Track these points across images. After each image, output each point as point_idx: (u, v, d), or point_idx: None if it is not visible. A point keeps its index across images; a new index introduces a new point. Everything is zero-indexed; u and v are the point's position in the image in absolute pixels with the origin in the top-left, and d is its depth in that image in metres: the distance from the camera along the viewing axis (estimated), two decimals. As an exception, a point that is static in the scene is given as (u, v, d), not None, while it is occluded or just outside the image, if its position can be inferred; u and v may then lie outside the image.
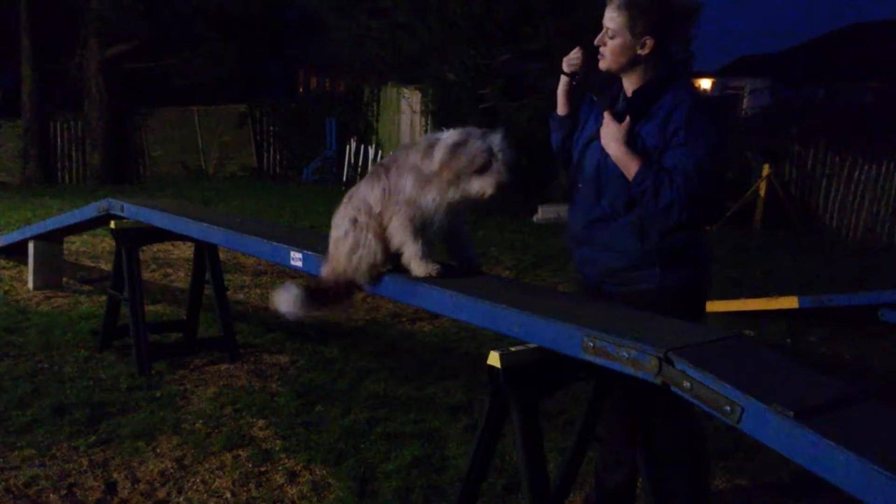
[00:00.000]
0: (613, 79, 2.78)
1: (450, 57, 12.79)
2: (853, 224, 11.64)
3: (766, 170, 12.06)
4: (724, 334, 2.21)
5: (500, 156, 2.46)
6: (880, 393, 4.65)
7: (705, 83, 24.81)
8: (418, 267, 2.57)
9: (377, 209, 2.58)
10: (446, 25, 12.46)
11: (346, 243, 2.62)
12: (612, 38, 2.66)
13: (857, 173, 11.70)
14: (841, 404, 1.82)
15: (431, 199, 2.51)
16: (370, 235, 2.60)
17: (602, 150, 2.70)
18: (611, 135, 2.64)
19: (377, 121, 16.07)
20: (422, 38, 12.87)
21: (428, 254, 2.58)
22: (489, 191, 2.45)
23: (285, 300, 2.66)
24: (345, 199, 2.72)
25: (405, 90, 14.76)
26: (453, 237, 2.70)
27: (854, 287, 7.70)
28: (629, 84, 2.72)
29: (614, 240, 2.70)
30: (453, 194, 2.50)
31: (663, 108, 2.61)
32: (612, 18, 2.66)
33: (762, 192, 12.04)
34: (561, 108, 2.92)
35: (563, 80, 2.88)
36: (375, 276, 2.67)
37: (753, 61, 29.78)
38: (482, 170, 2.45)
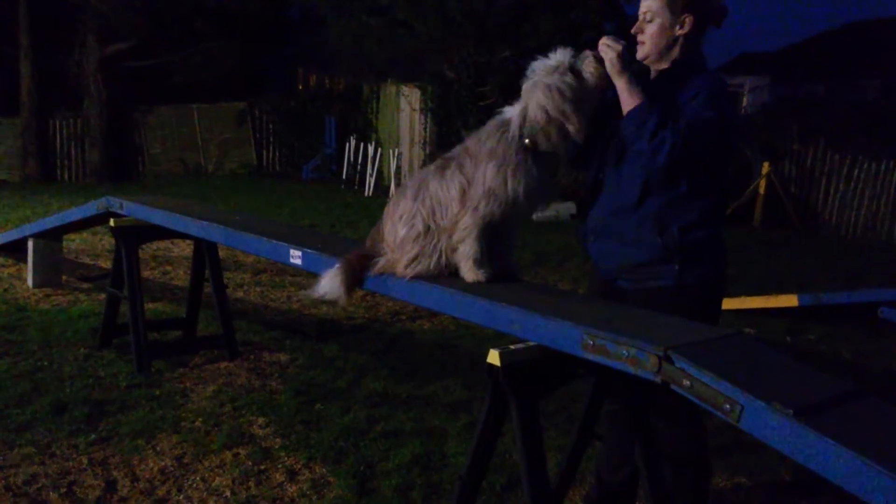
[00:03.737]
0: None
1: (449, 55, 12.79)
2: (853, 222, 11.65)
3: (765, 167, 12.06)
4: (723, 332, 2.21)
5: (577, 58, 2.45)
6: (880, 391, 4.65)
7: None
8: (468, 269, 2.48)
9: (455, 209, 2.45)
10: (445, 23, 12.45)
11: (413, 250, 2.51)
12: (650, 21, 2.65)
13: (856, 171, 11.71)
14: (840, 402, 1.82)
15: (518, 181, 2.38)
16: (439, 248, 2.49)
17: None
18: (609, 51, 2.55)
19: (376, 118, 16.06)
20: (421, 36, 12.86)
21: (483, 259, 2.48)
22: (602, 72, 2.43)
23: (330, 288, 2.60)
24: (409, 192, 2.56)
25: (405, 88, 14.76)
26: (503, 238, 2.56)
27: (853, 285, 7.71)
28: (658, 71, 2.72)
29: (635, 233, 2.67)
30: (575, 123, 2.40)
31: (690, 90, 2.60)
32: (649, 3, 2.66)
33: (762, 190, 12.06)
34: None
35: None
36: None
37: (753, 58, 29.79)
38: (578, 74, 2.42)
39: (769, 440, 1.73)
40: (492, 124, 2.51)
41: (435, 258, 2.51)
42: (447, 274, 2.54)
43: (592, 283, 3.01)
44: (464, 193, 2.45)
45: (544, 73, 2.45)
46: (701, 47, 2.72)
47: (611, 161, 2.75)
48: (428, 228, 2.50)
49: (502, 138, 2.44)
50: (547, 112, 2.41)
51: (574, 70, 2.46)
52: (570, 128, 2.43)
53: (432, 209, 2.50)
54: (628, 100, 2.54)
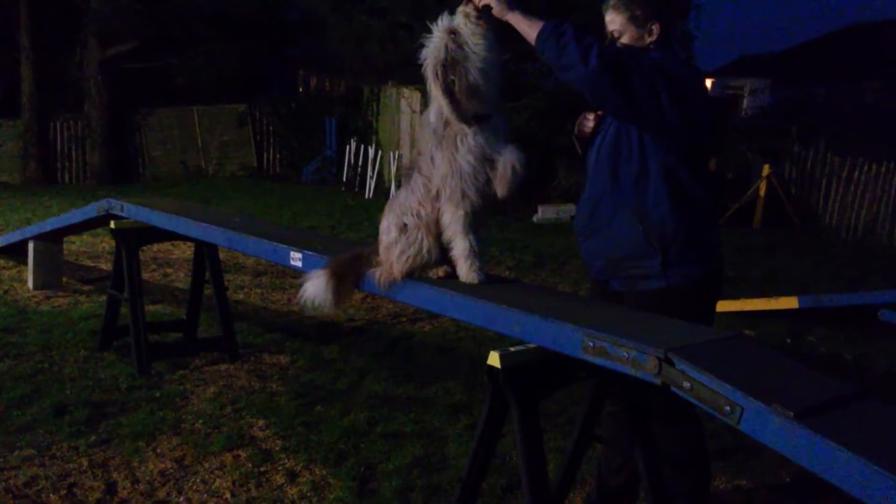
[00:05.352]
0: None
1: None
2: (853, 224, 11.64)
3: (766, 170, 12.07)
4: (724, 334, 2.21)
5: (443, 21, 2.45)
6: (880, 393, 4.65)
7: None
8: (464, 267, 2.50)
9: (426, 209, 2.49)
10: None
11: (398, 249, 2.54)
12: (618, 38, 2.66)
13: (856, 173, 11.70)
14: (841, 404, 1.82)
15: (465, 153, 2.41)
16: (420, 236, 2.52)
17: (601, 136, 2.70)
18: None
19: (377, 121, 16.06)
20: (421, 38, 12.86)
21: (477, 254, 2.51)
22: (471, 33, 2.39)
23: (315, 294, 2.62)
24: (386, 209, 2.64)
25: (405, 90, 14.75)
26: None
27: (854, 287, 7.70)
28: None
29: (616, 223, 2.68)
30: (462, 79, 2.38)
31: None
32: (612, 20, 2.67)
33: (762, 192, 12.05)
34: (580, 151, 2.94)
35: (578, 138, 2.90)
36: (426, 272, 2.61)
37: (753, 61, 29.82)
38: (456, 32, 2.43)
39: (769, 442, 1.73)
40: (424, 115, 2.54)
41: (416, 246, 2.53)
42: (437, 259, 2.55)
43: (593, 287, 3.02)
44: (426, 191, 2.49)
45: (430, 41, 2.47)
46: (671, 42, 2.71)
47: (591, 159, 2.77)
48: (404, 225, 2.54)
49: (431, 120, 2.47)
50: (434, 78, 2.43)
51: (452, 31, 2.45)
52: (466, 86, 2.41)
53: (403, 211, 2.55)
54: (531, 28, 2.48)
